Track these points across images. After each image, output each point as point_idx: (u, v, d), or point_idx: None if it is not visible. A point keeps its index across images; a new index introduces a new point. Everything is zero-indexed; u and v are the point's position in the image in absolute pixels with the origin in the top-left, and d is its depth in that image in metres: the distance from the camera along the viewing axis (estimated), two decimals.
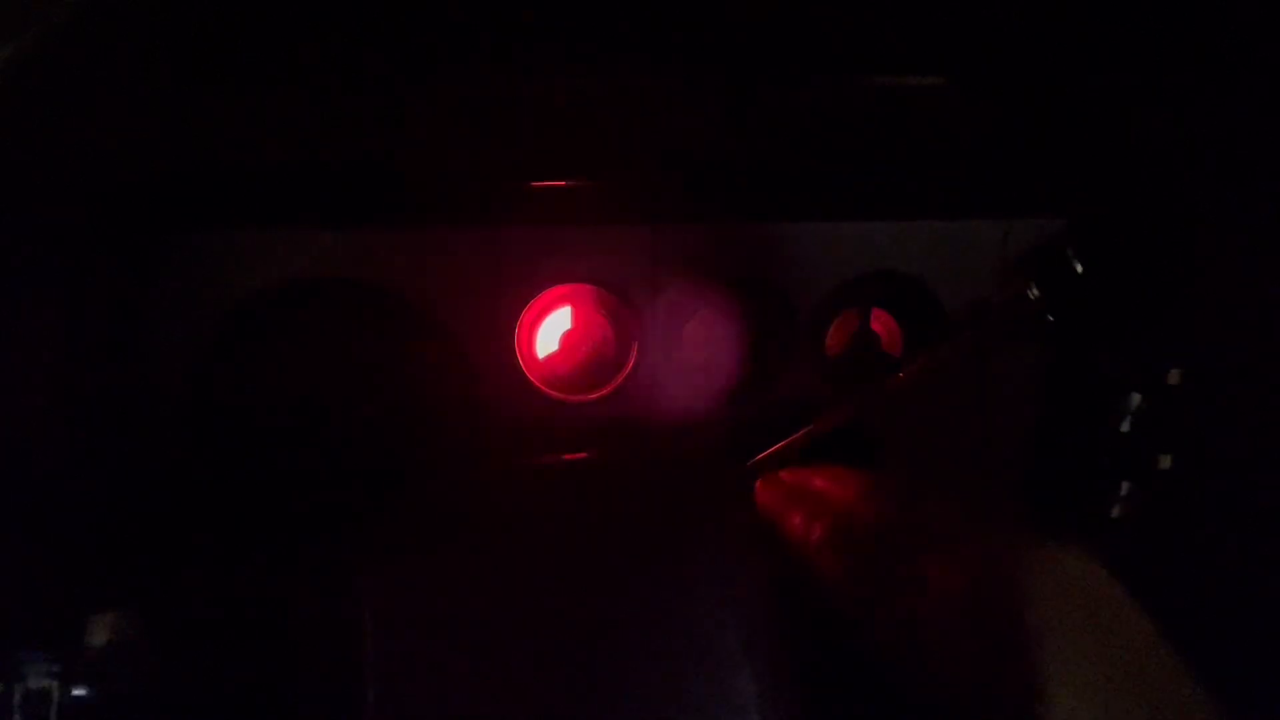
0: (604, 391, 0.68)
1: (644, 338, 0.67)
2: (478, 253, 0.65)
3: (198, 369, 0.65)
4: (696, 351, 0.68)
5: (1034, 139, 0.64)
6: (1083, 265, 0.49)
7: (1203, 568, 0.67)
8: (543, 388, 0.67)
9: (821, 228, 0.66)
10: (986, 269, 0.65)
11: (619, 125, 0.66)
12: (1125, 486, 0.65)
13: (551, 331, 0.69)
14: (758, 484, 0.59)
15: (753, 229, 0.66)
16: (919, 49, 0.57)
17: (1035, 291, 0.50)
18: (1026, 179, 0.65)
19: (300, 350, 0.67)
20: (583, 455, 0.64)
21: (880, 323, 0.69)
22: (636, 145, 0.65)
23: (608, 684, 0.38)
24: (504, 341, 0.66)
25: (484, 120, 0.67)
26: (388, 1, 0.61)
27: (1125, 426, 0.63)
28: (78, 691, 0.43)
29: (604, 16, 0.61)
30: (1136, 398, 0.63)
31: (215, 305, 0.64)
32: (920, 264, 0.66)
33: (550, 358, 0.69)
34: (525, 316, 0.66)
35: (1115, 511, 0.65)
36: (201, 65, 0.61)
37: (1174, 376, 0.62)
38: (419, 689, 0.38)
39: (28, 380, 0.59)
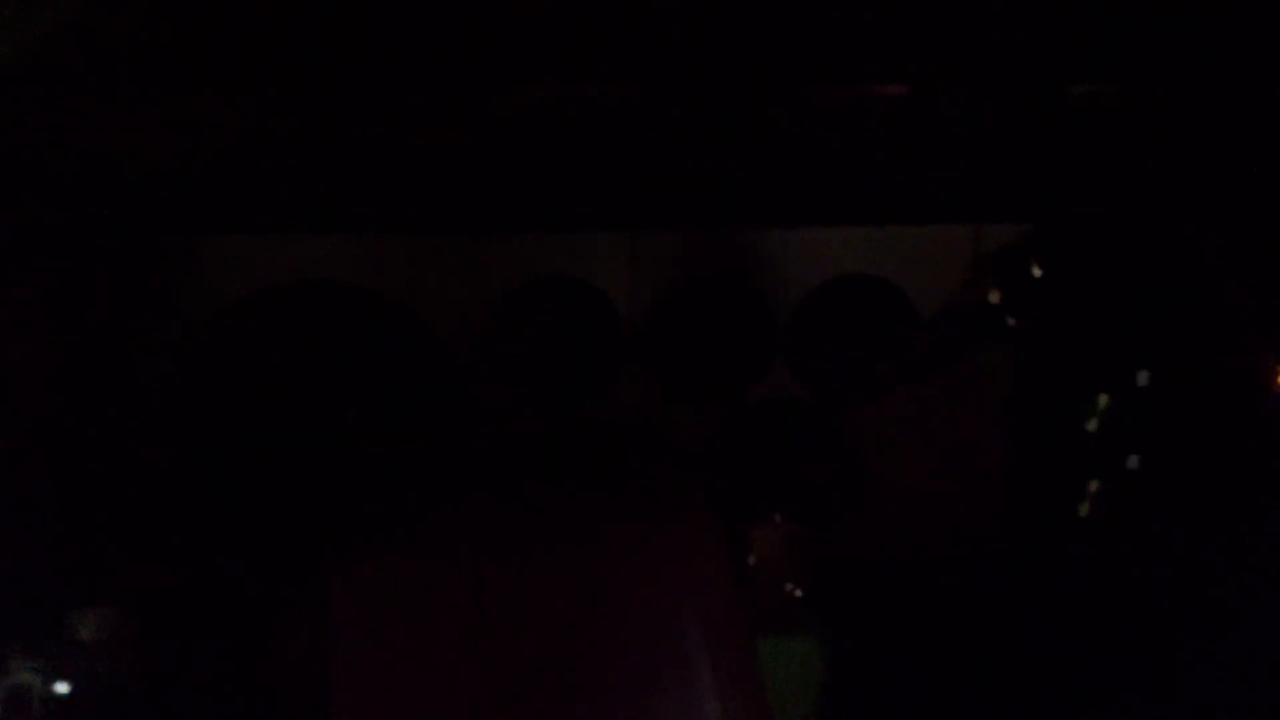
0: (582, 393, 0.69)
1: (624, 342, 0.68)
2: (460, 256, 0.67)
3: (184, 370, 0.66)
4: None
5: (1002, 145, 0.65)
6: (1041, 269, 0.50)
7: (1171, 567, 0.68)
8: (522, 389, 0.69)
9: (796, 233, 0.67)
10: (958, 273, 0.66)
11: (596, 132, 0.68)
12: (1094, 485, 0.66)
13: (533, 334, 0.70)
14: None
15: (729, 234, 0.67)
16: (885, 56, 0.58)
17: (995, 295, 0.51)
18: (995, 184, 0.66)
19: (285, 352, 0.68)
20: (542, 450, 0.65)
21: None
22: (613, 151, 0.66)
23: (570, 684, 0.39)
24: (487, 341, 0.67)
25: (465, 125, 0.68)
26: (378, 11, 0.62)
27: (1093, 427, 0.64)
28: (58, 687, 0.44)
29: (580, 27, 0.62)
30: (1104, 399, 0.64)
31: (202, 308, 0.66)
32: (893, 268, 0.67)
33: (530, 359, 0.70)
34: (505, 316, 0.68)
35: (1084, 510, 0.66)
36: (187, 70, 0.62)
37: (1142, 378, 0.64)
38: (386, 687, 0.39)
39: (13, 378, 0.60)
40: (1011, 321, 0.51)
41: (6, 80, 0.56)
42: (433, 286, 0.68)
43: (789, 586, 0.50)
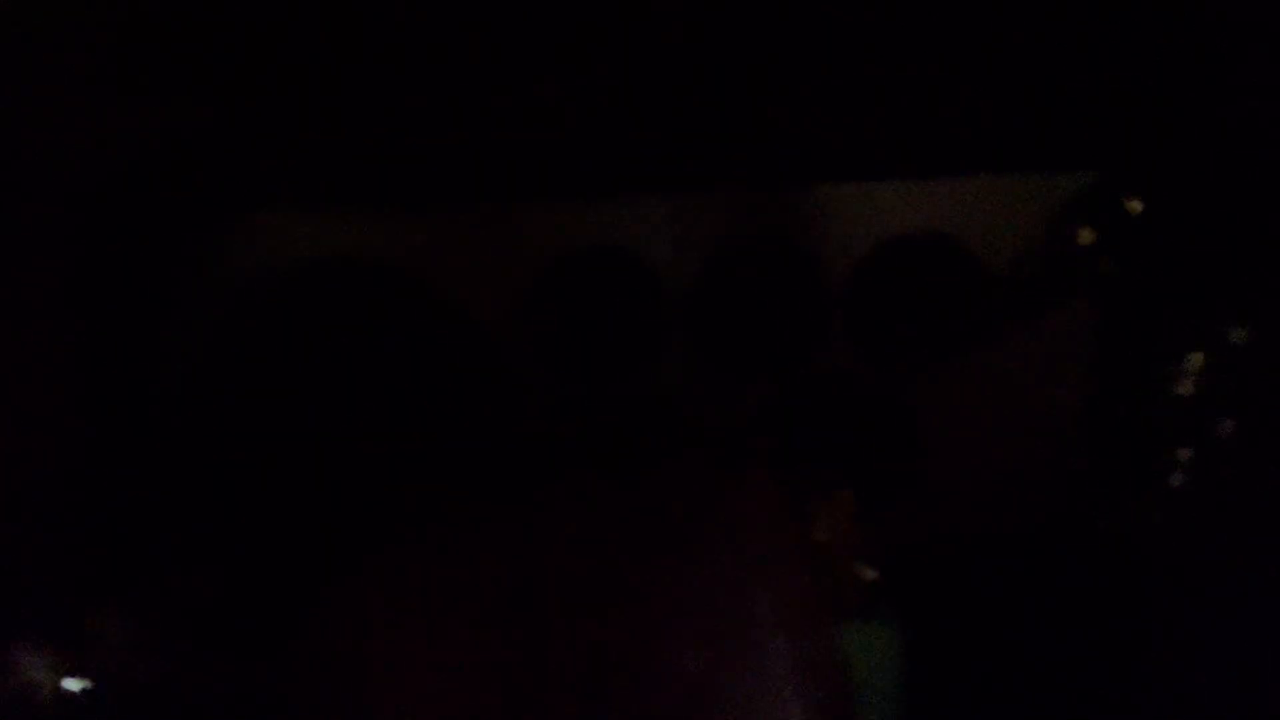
0: (626, 370, 0.65)
1: (669, 311, 0.64)
2: (490, 229, 0.63)
3: (207, 353, 0.63)
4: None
5: (1071, 90, 0.60)
6: (1141, 203, 0.44)
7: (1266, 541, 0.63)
8: (560, 365, 0.65)
9: (849, 189, 0.62)
10: (1025, 226, 0.61)
11: (629, 85, 0.64)
12: (1185, 454, 0.61)
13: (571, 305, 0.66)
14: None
15: (777, 193, 0.63)
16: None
17: (1087, 236, 0.46)
18: (1064, 132, 0.61)
19: (311, 334, 0.65)
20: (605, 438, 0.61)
21: None
22: (650, 105, 0.62)
23: (639, 665, 0.36)
24: (520, 317, 0.64)
25: (496, 91, 0.65)
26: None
27: (1185, 389, 0.59)
28: (71, 684, 0.41)
29: None
30: (1198, 358, 0.58)
31: (223, 288, 0.63)
32: (958, 224, 0.62)
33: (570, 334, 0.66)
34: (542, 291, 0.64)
35: (1175, 481, 0.60)
36: (209, 57, 0.59)
37: (1238, 335, 0.58)
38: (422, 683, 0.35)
39: (30, 366, 0.57)
40: (1104, 266, 0.45)
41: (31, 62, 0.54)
42: (463, 262, 0.64)
43: (860, 567, 0.45)
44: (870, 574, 0.46)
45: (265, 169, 0.62)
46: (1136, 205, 0.45)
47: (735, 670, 0.36)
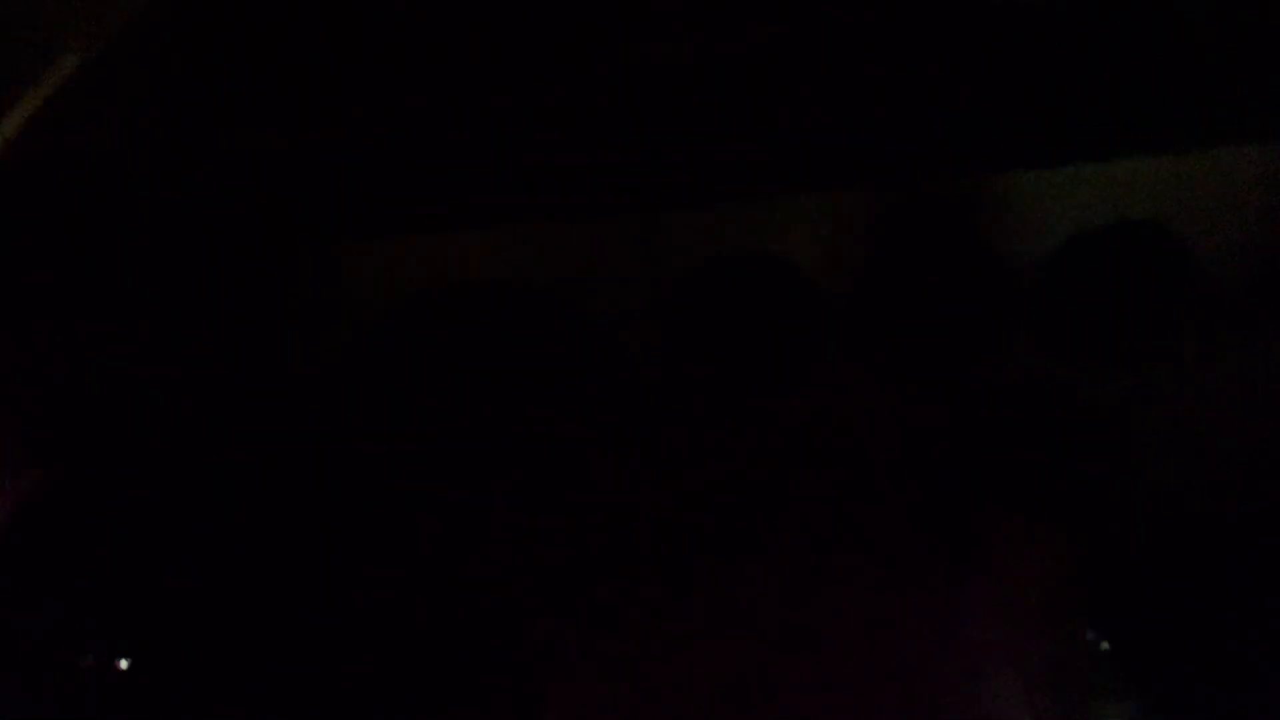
0: (781, 386, 0.60)
1: (828, 322, 0.58)
2: (627, 241, 0.59)
3: (337, 382, 0.60)
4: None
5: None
6: None
7: None
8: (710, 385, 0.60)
9: (1033, 177, 0.55)
10: (1240, 206, 0.53)
11: (773, 73, 0.58)
12: None
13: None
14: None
15: (950, 186, 0.56)
16: None
17: None
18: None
19: (445, 359, 0.61)
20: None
21: None
22: (796, 95, 0.56)
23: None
24: (665, 334, 0.59)
25: (620, 77, 0.60)
26: None
27: None
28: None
29: None
30: None
31: (355, 316, 0.60)
32: (1161, 210, 0.54)
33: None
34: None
35: None
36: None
37: None
38: None
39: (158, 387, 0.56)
40: None
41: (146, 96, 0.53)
42: (600, 277, 0.59)
43: (1091, 636, 0.39)
44: (1103, 644, 0.39)
45: (391, 195, 0.60)
46: None
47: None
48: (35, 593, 0.45)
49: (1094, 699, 0.42)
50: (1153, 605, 0.51)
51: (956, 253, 0.57)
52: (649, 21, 0.56)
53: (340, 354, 0.60)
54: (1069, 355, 0.57)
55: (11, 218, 0.49)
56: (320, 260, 0.60)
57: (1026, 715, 0.35)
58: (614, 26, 0.57)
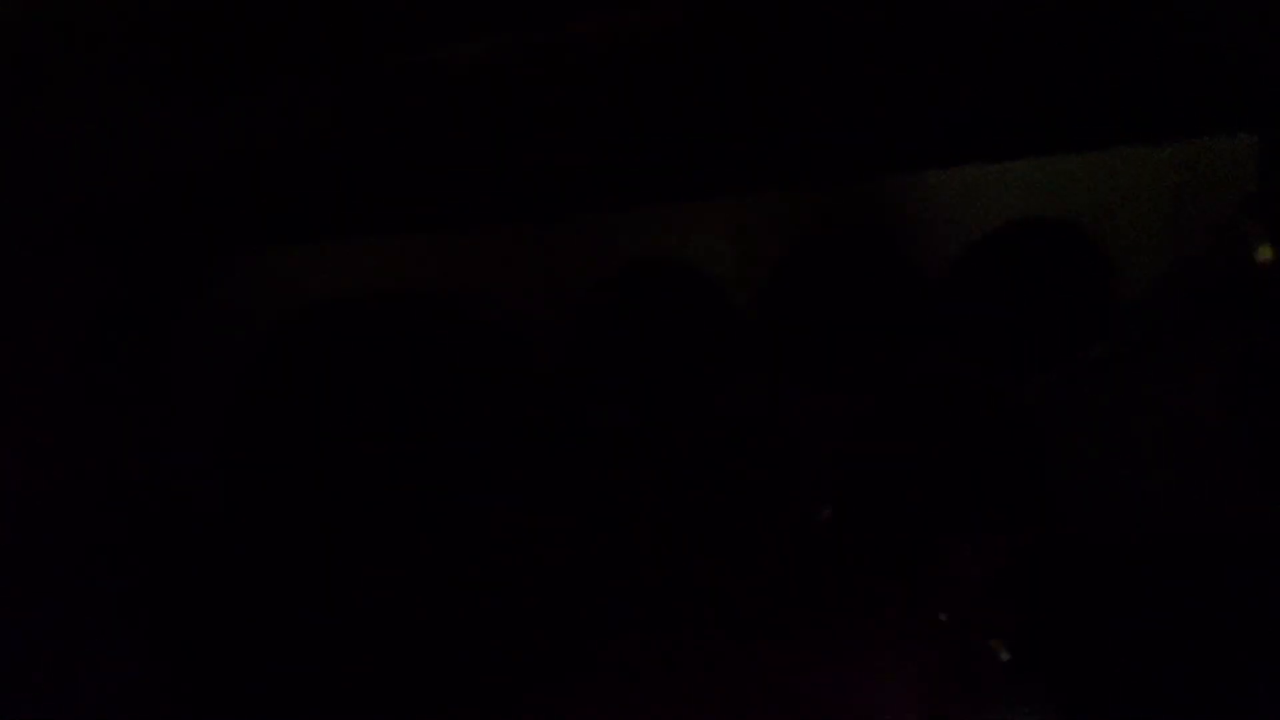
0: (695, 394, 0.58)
1: (736, 329, 0.57)
2: (533, 249, 0.58)
3: (242, 384, 0.60)
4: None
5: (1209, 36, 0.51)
6: None
7: None
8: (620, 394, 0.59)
9: (945, 176, 0.54)
10: (1161, 208, 0.52)
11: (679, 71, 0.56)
12: None
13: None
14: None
15: (857, 186, 0.55)
16: None
17: (1267, 253, 0.37)
18: (1203, 85, 0.52)
19: (350, 369, 0.60)
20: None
21: None
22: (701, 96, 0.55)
23: None
24: (575, 343, 0.58)
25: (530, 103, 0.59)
26: None
27: None
28: None
29: None
30: None
31: (259, 321, 0.60)
32: (1074, 206, 0.53)
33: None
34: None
35: None
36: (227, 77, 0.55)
37: None
38: None
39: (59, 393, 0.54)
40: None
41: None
42: (506, 285, 0.59)
43: (994, 645, 0.38)
44: (1003, 654, 0.38)
45: (295, 203, 0.58)
46: None
47: None
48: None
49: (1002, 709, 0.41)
50: (1064, 611, 0.50)
51: (867, 254, 0.55)
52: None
53: (240, 363, 0.59)
54: (983, 354, 0.56)
55: None
56: (228, 267, 0.59)
57: None
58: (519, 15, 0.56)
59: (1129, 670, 0.49)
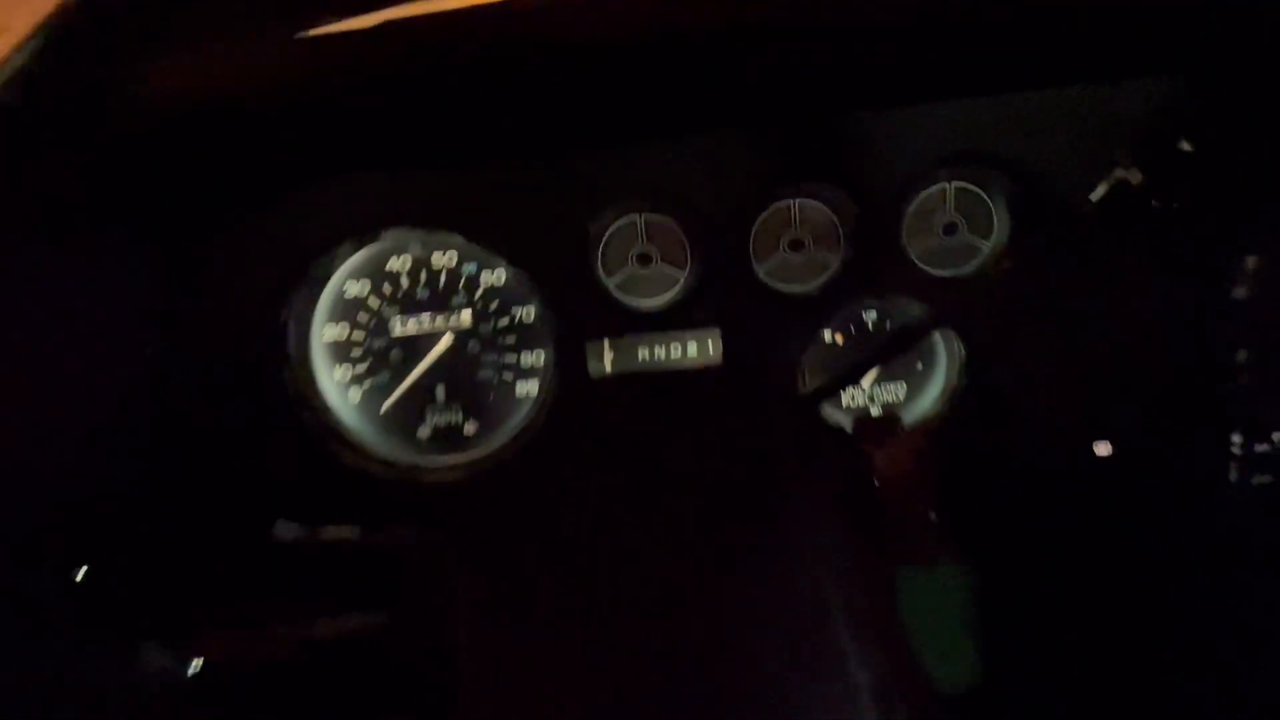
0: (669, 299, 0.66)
1: (712, 248, 0.64)
2: (538, 179, 0.62)
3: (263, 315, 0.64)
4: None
5: None
6: (1191, 143, 0.42)
7: None
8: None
9: (882, 116, 0.60)
10: (1086, 144, 0.57)
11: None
12: (1243, 355, 0.60)
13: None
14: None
15: (813, 126, 0.61)
16: None
17: (1136, 177, 0.44)
18: (1125, 30, 0.57)
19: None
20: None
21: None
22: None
23: (708, 642, 0.37)
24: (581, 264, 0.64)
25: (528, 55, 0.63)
26: None
27: (1241, 294, 0.58)
28: (195, 668, 0.45)
29: None
30: (1254, 260, 0.57)
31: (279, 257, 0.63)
32: (1008, 143, 0.60)
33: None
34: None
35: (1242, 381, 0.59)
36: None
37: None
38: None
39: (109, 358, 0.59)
40: (1156, 204, 0.44)
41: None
42: (504, 218, 0.63)
43: (922, 509, 0.47)
44: (931, 515, 0.47)
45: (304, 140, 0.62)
46: (1187, 144, 0.42)
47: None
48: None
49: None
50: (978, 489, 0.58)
51: (819, 187, 0.62)
52: None
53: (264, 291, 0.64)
54: (929, 270, 0.63)
55: None
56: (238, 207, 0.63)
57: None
58: None
59: (1022, 521, 0.59)
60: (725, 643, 0.37)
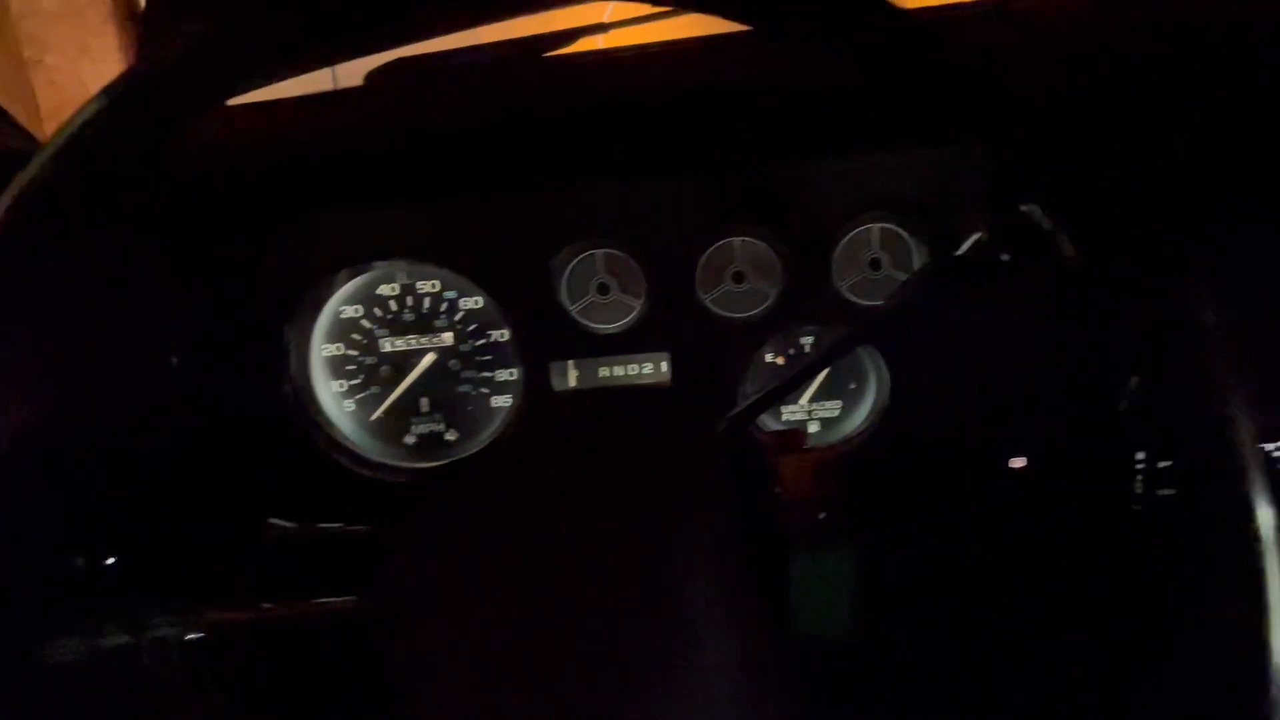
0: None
1: (663, 279, 0.72)
2: (510, 217, 0.71)
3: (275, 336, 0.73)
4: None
5: None
6: (1029, 203, 0.48)
7: None
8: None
9: (813, 166, 0.68)
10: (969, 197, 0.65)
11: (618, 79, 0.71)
12: (1134, 381, 0.67)
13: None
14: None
15: (753, 175, 0.69)
16: None
17: (985, 234, 0.50)
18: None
19: None
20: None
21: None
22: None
23: (593, 640, 0.43)
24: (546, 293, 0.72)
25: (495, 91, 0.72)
26: None
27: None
28: (192, 636, 0.53)
29: None
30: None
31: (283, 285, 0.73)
32: (915, 192, 0.68)
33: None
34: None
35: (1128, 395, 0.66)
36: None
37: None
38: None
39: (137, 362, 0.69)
40: (1006, 260, 0.50)
41: None
42: (489, 247, 0.72)
43: (814, 509, 0.54)
44: (821, 515, 0.54)
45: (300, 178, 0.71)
46: (1025, 207, 0.48)
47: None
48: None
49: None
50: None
51: (758, 229, 0.70)
52: None
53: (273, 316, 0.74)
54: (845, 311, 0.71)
55: None
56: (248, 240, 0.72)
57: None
58: None
59: (935, 519, 0.66)
60: (623, 625, 0.44)
